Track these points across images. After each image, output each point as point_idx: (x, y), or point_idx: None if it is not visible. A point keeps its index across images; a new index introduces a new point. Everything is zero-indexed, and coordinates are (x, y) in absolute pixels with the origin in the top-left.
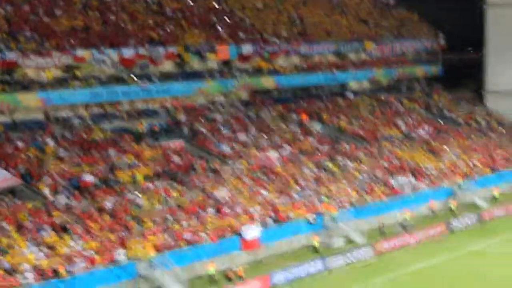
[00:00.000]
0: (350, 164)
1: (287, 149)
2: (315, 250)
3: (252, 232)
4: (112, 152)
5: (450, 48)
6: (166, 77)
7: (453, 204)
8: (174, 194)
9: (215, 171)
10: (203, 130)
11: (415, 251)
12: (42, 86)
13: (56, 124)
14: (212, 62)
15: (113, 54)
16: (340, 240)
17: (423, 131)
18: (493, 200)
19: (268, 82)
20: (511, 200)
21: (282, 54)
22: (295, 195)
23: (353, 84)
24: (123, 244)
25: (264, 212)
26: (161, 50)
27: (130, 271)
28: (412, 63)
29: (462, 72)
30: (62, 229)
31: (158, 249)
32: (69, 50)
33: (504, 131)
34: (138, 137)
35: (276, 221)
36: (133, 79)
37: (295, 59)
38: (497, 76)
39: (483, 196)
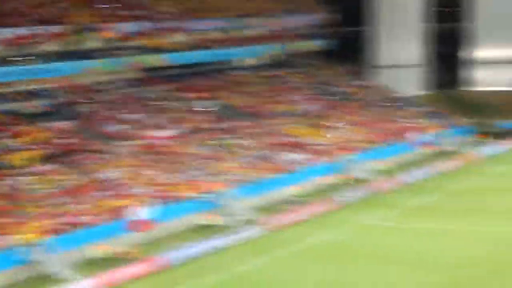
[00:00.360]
0: (239, 141)
1: (176, 128)
2: (205, 229)
3: (142, 213)
4: None
5: (340, 22)
6: (51, 57)
7: (342, 178)
8: (62, 176)
9: (103, 152)
10: (91, 110)
11: (306, 227)
12: None
13: None
14: (99, 41)
15: None
16: (230, 218)
17: (312, 106)
18: (381, 173)
19: (156, 60)
20: (398, 173)
21: (170, 32)
22: (184, 174)
23: (242, 61)
24: (9, 229)
25: (153, 193)
26: (46, 29)
27: (17, 256)
28: (301, 38)
29: (352, 47)
30: None
31: (46, 233)
32: None
33: (392, 104)
34: (23, 119)
35: (166, 201)
36: (18, 59)
37: (184, 37)
38: (385, 50)
39: (371, 169)
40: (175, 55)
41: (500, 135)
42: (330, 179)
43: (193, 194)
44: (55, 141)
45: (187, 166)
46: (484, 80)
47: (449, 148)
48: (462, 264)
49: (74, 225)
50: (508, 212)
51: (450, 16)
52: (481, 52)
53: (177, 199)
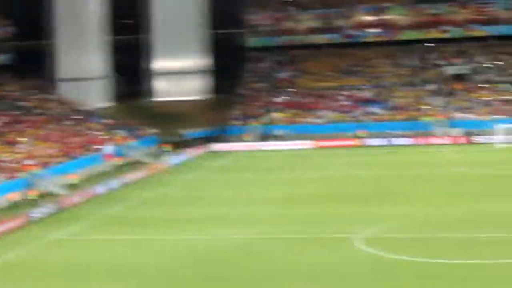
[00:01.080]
0: None
1: None
2: None
3: None
4: None
5: (20, 36)
6: None
7: (31, 194)
8: None
9: None
10: None
11: None
12: None
13: None
14: None
15: None
16: None
17: None
18: (72, 186)
19: None
20: (89, 186)
21: None
22: None
23: None
24: None
25: None
26: None
27: None
28: None
29: (34, 60)
30: None
31: None
32: None
33: (79, 117)
34: None
35: None
36: None
37: None
38: (68, 63)
39: (61, 184)
40: None
41: (184, 144)
42: (19, 195)
43: None
44: None
45: None
46: (167, 90)
47: (137, 158)
48: (152, 273)
49: None
50: (196, 221)
51: (131, 28)
52: (162, 63)
53: None
